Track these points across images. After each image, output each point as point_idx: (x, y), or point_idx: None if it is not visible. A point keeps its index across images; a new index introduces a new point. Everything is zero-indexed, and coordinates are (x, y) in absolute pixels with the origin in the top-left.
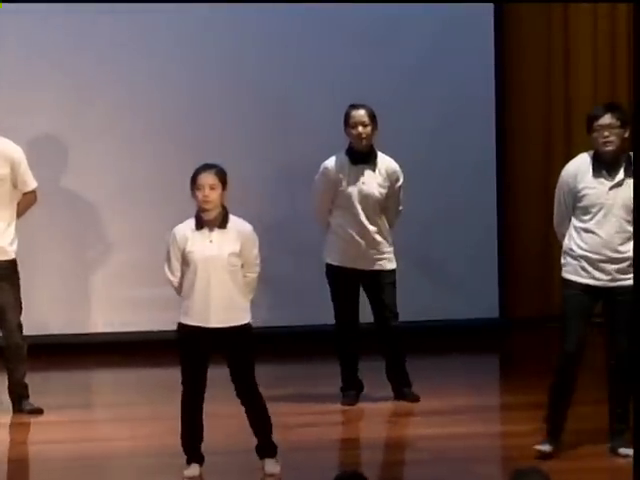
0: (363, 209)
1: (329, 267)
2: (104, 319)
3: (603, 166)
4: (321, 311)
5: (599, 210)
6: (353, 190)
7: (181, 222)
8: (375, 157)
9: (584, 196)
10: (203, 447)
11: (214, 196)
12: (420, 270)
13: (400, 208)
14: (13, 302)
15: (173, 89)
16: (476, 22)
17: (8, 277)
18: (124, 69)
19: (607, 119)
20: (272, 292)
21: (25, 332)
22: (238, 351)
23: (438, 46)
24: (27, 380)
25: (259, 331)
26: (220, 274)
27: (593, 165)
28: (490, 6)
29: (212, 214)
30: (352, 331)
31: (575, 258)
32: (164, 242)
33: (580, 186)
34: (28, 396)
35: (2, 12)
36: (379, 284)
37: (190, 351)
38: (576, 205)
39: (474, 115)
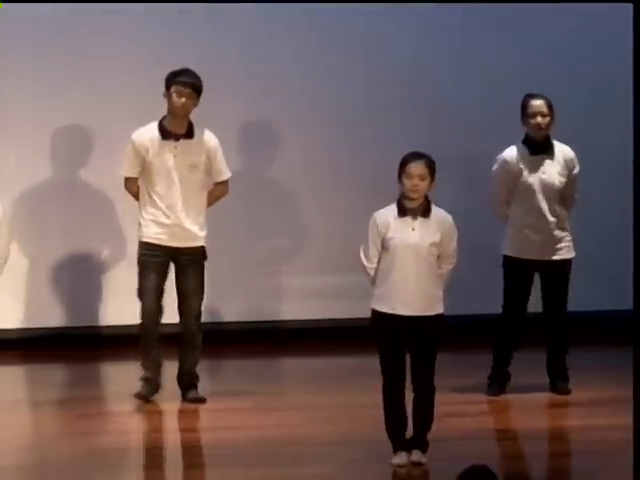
0: (545, 199)
1: (506, 259)
2: (290, 307)
3: None
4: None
5: None
6: (534, 180)
7: (373, 211)
8: (552, 146)
9: None
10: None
11: (423, 186)
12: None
13: (576, 196)
14: (197, 289)
15: (355, 83)
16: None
17: (196, 264)
18: (315, 63)
19: None
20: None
21: (213, 319)
22: (427, 340)
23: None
24: (209, 368)
25: None
26: (419, 263)
27: None
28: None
29: (416, 202)
30: (518, 323)
31: None
32: (351, 232)
33: None
34: (196, 386)
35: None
36: (557, 274)
37: (387, 339)
38: None
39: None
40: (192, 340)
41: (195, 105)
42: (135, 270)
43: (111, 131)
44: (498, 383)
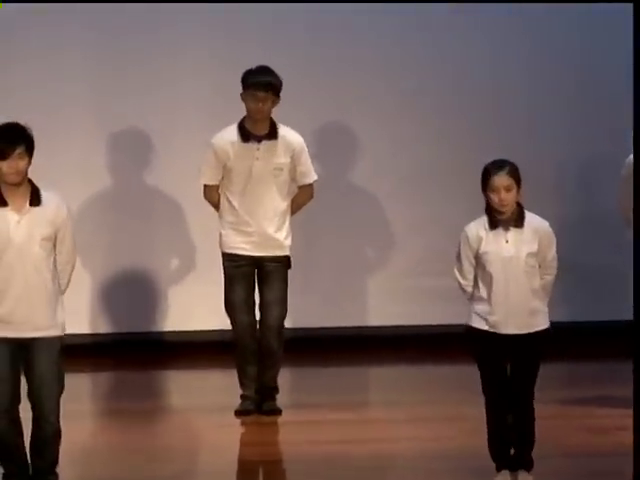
0: None
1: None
2: (382, 311)
3: None
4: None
5: None
6: None
7: (470, 210)
8: None
9: None
10: None
11: (510, 198)
12: None
13: None
14: (278, 301)
15: (474, 82)
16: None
17: (279, 274)
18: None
19: None
20: (573, 287)
21: (302, 324)
22: (528, 359)
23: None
24: (303, 375)
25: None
26: (518, 276)
27: None
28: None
29: (507, 213)
30: None
31: None
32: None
33: None
34: (273, 398)
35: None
36: None
37: (488, 358)
38: None
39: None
40: (271, 357)
41: (274, 105)
42: (211, 276)
43: (181, 136)
44: None
